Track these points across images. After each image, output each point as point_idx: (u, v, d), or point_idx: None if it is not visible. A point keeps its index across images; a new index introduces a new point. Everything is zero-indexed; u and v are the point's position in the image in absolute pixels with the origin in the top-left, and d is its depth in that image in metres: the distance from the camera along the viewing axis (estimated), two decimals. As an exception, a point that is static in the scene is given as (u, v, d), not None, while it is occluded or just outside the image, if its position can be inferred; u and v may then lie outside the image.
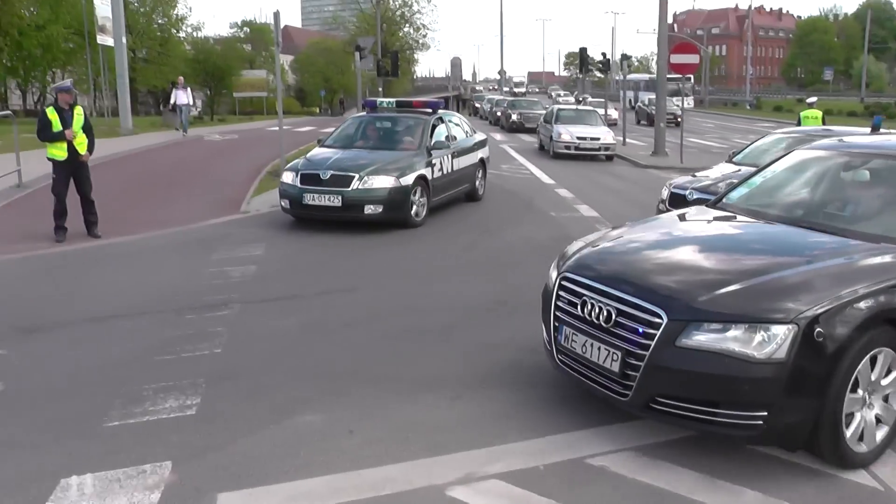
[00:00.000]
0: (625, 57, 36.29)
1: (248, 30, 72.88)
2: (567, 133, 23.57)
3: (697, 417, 4.10)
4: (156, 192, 15.05)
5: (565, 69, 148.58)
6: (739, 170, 9.83)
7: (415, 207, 11.43)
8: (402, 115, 13.15)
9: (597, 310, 4.51)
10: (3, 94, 47.95)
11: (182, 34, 54.27)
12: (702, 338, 4.03)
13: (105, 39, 30.21)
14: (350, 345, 6.34)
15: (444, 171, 12.44)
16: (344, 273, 8.89)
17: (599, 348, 4.45)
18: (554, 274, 5.11)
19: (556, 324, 4.88)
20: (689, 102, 60.28)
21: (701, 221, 5.72)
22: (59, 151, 10.22)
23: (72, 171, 10.33)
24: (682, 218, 5.94)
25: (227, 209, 12.82)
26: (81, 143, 10.31)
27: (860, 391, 4.17)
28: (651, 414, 4.32)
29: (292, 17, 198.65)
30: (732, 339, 3.97)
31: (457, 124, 14.01)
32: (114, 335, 6.69)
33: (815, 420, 4.01)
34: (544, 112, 30.51)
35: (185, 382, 5.50)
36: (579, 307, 4.65)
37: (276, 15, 17.44)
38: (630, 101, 49.17)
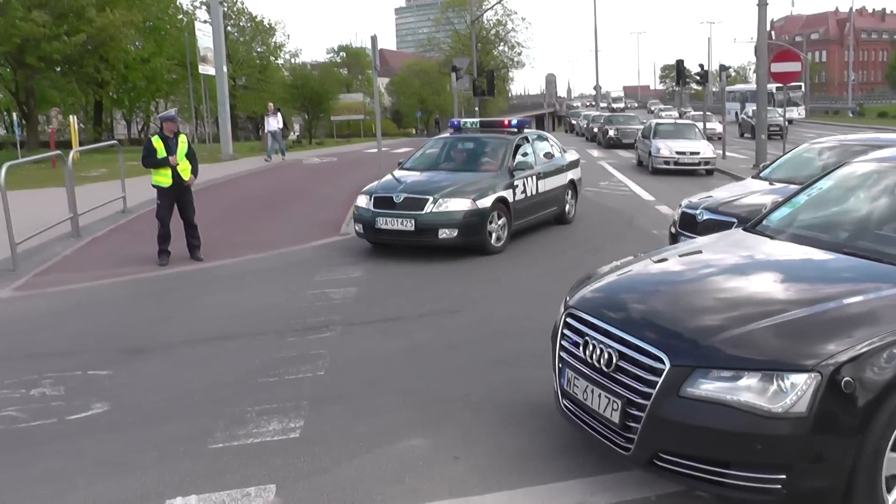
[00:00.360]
0: (723, 68, 35.41)
1: (345, 54, 74.53)
2: (666, 148, 23.10)
3: (706, 478, 3.61)
4: (256, 216, 15.40)
5: (661, 82, 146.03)
6: (768, 185, 9.28)
7: (493, 232, 10.91)
8: (484, 135, 12.84)
9: (598, 352, 4.05)
10: (109, 125, 50.37)
11: (280, 61, 56.35)
12: (709, 387, 3.54)
13: (207, 69, 31.44)
14: (455, 368, 6.24)
15: (528, 194, 11.91)
16: (446, 295, 8.82)
17: (600, 395, 3.99)
18: (561, 309, 4.67)
19: (560, 365, 4.44)
20: (800, 112, 58.33)
21: (726, 249, 5.15)
22: (164, 178, 10.59)
23: (176, 196, 10.67)
24: (706, 245, 5.35)
25: (326, 231, 12.98)
26: (185, 169, 10.65)
27: None
28: (655, 471, 3.81)
29: (387, 41, 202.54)
30: (745, 389, 3.46)
31: (544, 144, 13.51)
32: (217, 357, 6.80)
33: (847, 485, 3.44)
34: (641, 127, 30.12)
35: (289, 405, 5.51)
36: (581, 348, 4.22)
37: (374, 39, 17.73)
38: (736, 112, 47.94)
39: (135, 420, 5.44)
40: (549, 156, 13.19)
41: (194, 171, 10.90)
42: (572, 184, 13.79)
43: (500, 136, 12.48)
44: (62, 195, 13.12)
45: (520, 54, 73.33)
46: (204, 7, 46.42)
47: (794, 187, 8.79)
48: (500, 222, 11.06)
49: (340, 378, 6.11)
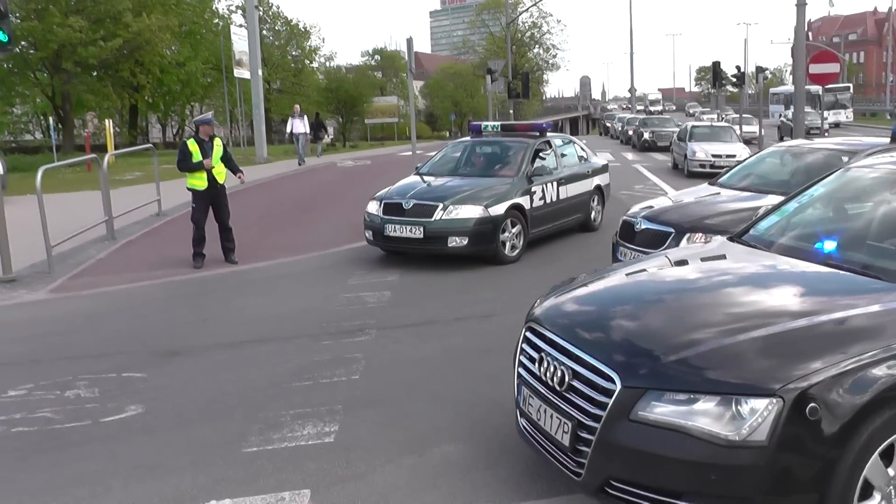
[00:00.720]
0: (759, 69, 35.04)
1: (379, 57, 74.85)
2: (701, 150, 22.93)
3: None
4: (291, 219, 15.47)
5: (696, 84, 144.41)
6: (718, 193, 8.93)
7: (507, 241, 10.56)
8: (503, 139, 12.43)
9: (552, 369, 3.83)
10: (144, 128, 51.04)
11: (315, 64, 56.76)
12: (663, 410, 3.30)
13: (242, 73, 31.73)
14: (489, 373, 6.18)
15: (548, 200, 11.49)
16: (480, 299, 8.78)
17: (552, 416, 3.77)
18: (524, 322, 4.48)
19: (518, 381, 4.22)
20: (847, 115, 57.33)
21: (703, 261, 4.87)
22: (199, 181, 10.67)
23: (211, 199, 10.74)
24: (683, 256, 5.07)
25: (361, 234, 12.93)
26: (220, 172, 10.74)
27: (877, 490, 3.28)
28: (606, 499, 3.56)
29: (422, 44, 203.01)
30: (700, 414, 3.21)
31: (568, 148, 13.03)
32: (251, 360, 6.82)
33: None
34: (676, 130, 29.90)
35: (323, 409, 5.50)
36: (537, 364, 4.01)
37: (409, 41, 17.76)
38: (780, 115, 47.31)
39: (169, 423, 5.47)
40: (573, 160, 12.80)
41: (235, 169, 11.03)
42: (599, 190, 13.37)
43: (519, 141, 12.08)
44: (97, 198, 13.28)
45: (555, 56, 73.23)
46: (239, 11, 46.90)
47: (745, 195, 8.60)
48: (514, 231, 10.70)
49: (375, 382, 6.09)
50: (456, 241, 10.13)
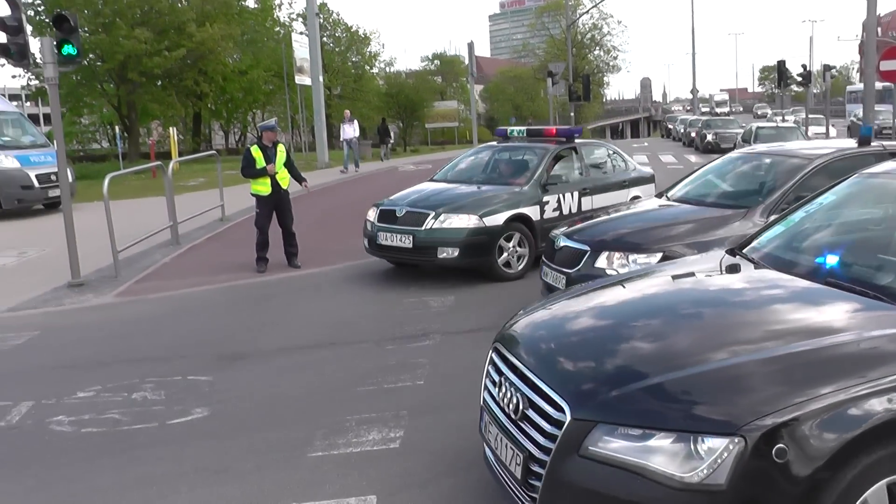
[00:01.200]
0: (826, 67, 34.17)
1: (439, 62, 75.04)
2: None
3: None
4: (353, 223, 15.44)
5: (759, 84, 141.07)
6: (657, 207, 8.13)
7: (506, 254, 9.84)
8: (523, 145, 11.72)
9: (508, 395, 3.57)
10: (207, 135, 51.98)
11: (375, 70, 57.03)
12: (614, 446, 2.99)
13: (303, 79, 32.07)
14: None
15: (565, 212, 10.58)
16: (547, 302, 8.64)
17: (507, 445, 3.50)
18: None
19: (482, 406, 3.97)
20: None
21: (690, 277, 4.50)
22: (263, 187, 10.78)
23: (274, 204, 10.84)
24: (672, 271, 4.69)
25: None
26: (283, 178, 10.86)
27: None
28: None
29: (481, 47, 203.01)
30: (655, 452, 2.90)
31: (600, 156, 12.11)
32: (315, 365, 6.82)
33: None
34: (740, 131, 29.35)
35: (388, 414, 5.46)
36: (497, 389, 3.75)
37: (471, 46, 17.75)
38: (852, 115, 46.07)
39: (234, 426, 5.48)
40: (605, 169, 11.86)
41: (298, 177, 11.15)
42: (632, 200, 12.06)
43: (539, 147, 11.28)
44: (162, 204, 13.50)
45: (615, 58, 72.44)
46: (300, 19, 47.44)
47: (685, 209, 7.68)
48: (518, 244, 9.98)
49: (440, 388, 6.03)
50: (446, 253, 9.52)
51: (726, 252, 4.71)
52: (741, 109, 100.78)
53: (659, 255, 6.56)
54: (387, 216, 10.10)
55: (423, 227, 9.60)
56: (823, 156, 7.35)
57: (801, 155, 7.63)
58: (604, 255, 6.87)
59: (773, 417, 2.80)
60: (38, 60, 10.62)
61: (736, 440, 2.78)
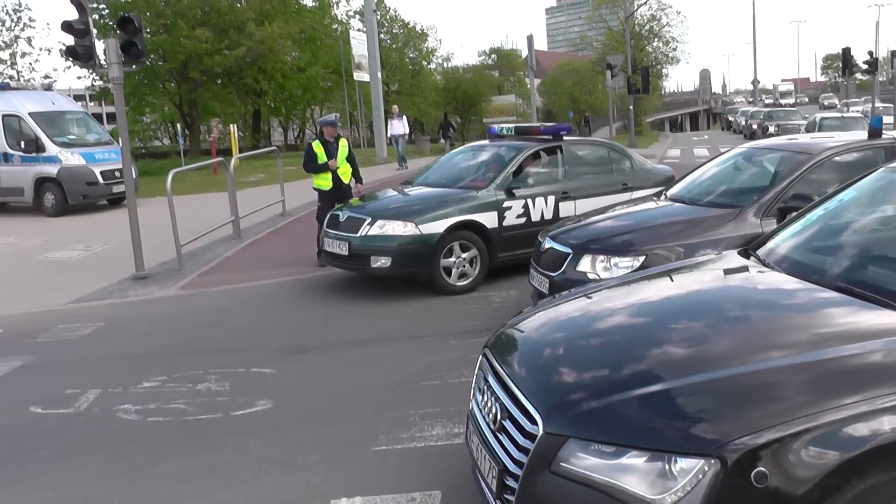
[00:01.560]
0: (894, 54, 32.93)
1: (496, 56, 74.85)
2: None
3: None
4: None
5: (822, 73, 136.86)
6: (654, 206, 7.63)
7: (454, 265, 9.02)
8: (499, 145, 10.72)
9: (489, 404, 3.42)
10: (266, 132, 52.59)
11: (432, 65, 57.17)
12: (587, 463, 2.79)
13: (361, 76, 32.29)
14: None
15: (535, 218, 9.57)
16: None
17: (485, 457, 3.34)
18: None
19: (468, 413, 3.81)
20: None
21: (693, 279, 4.29)
22: (324, 182, 10.85)
23: (336, 199, 10.89)
24: (673, 273, 4.44)
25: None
26: (345, 172, 10.91)
27: None
28: None
29: (538, 41, 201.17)
30: (628, 471, 2.70)
31: (591, 155, 10.98)
32: (377, 358, 6.79)
33: None
34: (803, 123, 28.61)
35: (452, 409, 5.38)
36: (482, 396, 3.60)
37: (530, 39, 17.62)
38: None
39: (298, 419, 5.48)
40: (599, 171, 10.65)
41: (357, 175, 11.13)
42: None
43: (514, 146, 10.32)
44: (223, 200, 13.65)
45: (674, 49, 71.10)
46: (358, 16, 47.72)
47: (679, 208, 7.25)
48: (464, 255, 9.07)
49: (504, 381, 5.94)
50: (380, 262, 8.82)
51: (738, 252, 4.44)
52: (806, 100, 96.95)
53: (642, 259, 6.21)
54: (333, 221, 9.61)
55: (358, 234, 9.01)
56: (827, 150, 6.87)
57: (803, 149, 7.11)
58: (586, 257, 6.53)
59: (754, 438, 2.58)
60: (103, 61, 10.79)
61: (712, 462, 2.57)
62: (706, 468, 2.57)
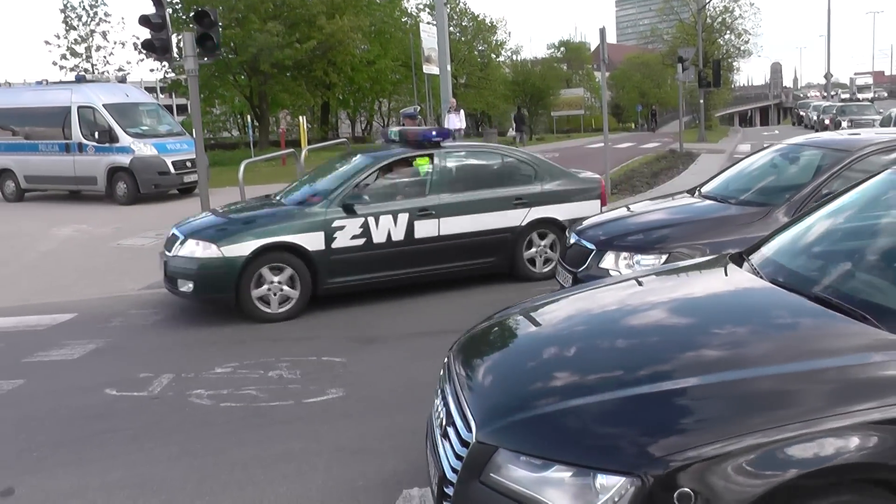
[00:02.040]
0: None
1: (565, 49, 74.33)
2: None
3: None
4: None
5: None
6: (686, 203, 7.31)
7: (268, 291, 7.97)
8: (357, 154, 9.83)
9: (440, 408, 3.39)
10: (334, 124, 53.07)
11: (501, 58, 56.97)
12: (514, 475, 2.68)
13: (431, 69, 32.30)
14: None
15: (379, 240, 8.42)
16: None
17: (431, 462, 3.32)
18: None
19: (429, 416, 3.74)
20: None
21: (663, 284, 4.17)
22: None
23: None
24: (653, 277, 4.32)
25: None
26: (421, 163, 10.88)
27: None
28: None
29: (607, 34, 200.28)
30: (553, 485, 2.59)
31: (478, 166, 9.51)
32: (445, 350, 6.72)
33: None
34: (878, 117, 27.68)
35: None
36: (438, 400, 3.54)
37: (602, 31, 17.26)
38: None
39: (369, 407, 5.49)
40: (478, 184, 9.15)
41: None
42: (538, 225, 9.23)
43: (369, 156, 9.26)
44: (294, 189, 13.75)
45: (746, 42, 69.36)
46: (428, 10, 47.83)
47: (710, 205, 6.98)
48: (277, 279, 8.01)
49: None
50: (187, 286, 8.02)
51: (731, 257, 4.18)
52: (885, 95, 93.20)
53: (665, 257, 6.01)
54: (170, 239, 8.66)
55: (171, 254, 8.28)
56: (867, 147, 6.49)
57: (843, 146, 6.75)
58: (610, 254, 6.36)
59: (679, 457, 2.45)
60: (177, 54, 11.05)
61: (633, 480, 2.45)
62: (628, 486, 2.46)
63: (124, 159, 17.79)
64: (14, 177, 19.42)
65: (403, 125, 11.05)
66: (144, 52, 18.21)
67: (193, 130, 11.53)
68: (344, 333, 7.39)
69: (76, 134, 18.36)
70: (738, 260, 4.08)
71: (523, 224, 9.10)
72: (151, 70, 56.51)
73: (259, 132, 37.68)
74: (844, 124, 33.26)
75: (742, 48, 70.34)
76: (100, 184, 18.29)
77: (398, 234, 8.50)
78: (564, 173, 9.75)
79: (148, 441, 5.10)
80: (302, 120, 28.97)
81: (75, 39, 36.14)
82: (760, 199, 6.69)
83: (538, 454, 2.66)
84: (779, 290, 3.49)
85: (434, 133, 9.25)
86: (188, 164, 18.14)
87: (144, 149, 18.06)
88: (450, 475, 2.97)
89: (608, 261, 6.32)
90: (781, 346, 3.05)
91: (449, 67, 32.14)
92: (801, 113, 58.11)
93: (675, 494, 2.40)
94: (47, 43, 36.58)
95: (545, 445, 2.69)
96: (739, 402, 2.66)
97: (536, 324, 3.83)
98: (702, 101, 41.81)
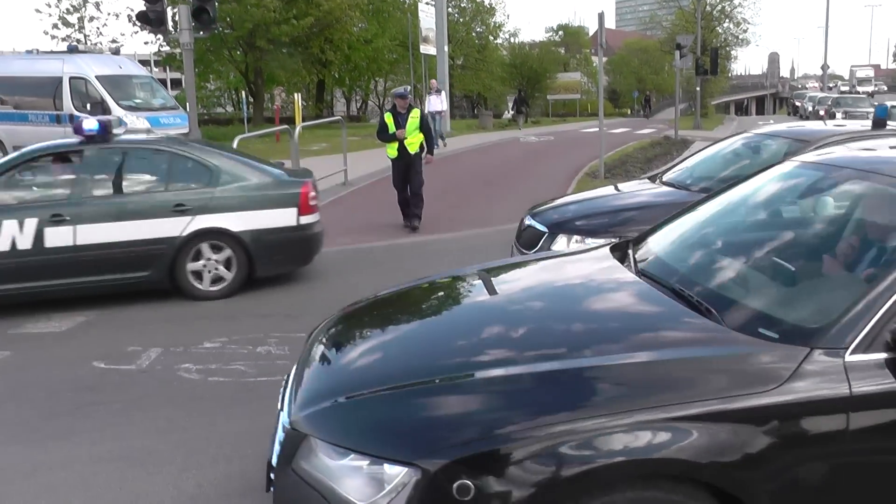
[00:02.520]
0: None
1: (563, 33, 74.15)
2: None
3: None
4: (475, 192, 15.49)
5: (894, 60, 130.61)
6: (642, 189, 7.40)
7: None
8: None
9: (283, 391, 3.42)
10: (329, 102, 52.88)
11: (499, 40, 56.88)
12: (318, 463, 2.69)
13: (428, 49, 32.25)
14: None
15: (3, 248, 7.35)
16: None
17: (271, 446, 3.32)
18: None
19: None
20: None
21: (524, 273, 4.23)
22: (392, 150, 11.35)
23: (403, 167, 11.32)
24: (500, 268, 4.26)
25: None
26: (412, 143, 11.27)
27: None
28: None
29: (606, 19, 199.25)
30: (350, 475, 2.59)
31: (126, 166, 8.24)
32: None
33: None
34: (871, 110, 27.61)
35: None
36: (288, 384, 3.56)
37: (601, 16, 17.21)
38: None
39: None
40: (131, 187, 8.13)
41: (428, 146, 11.48)
42: (207, 236, 7.96)
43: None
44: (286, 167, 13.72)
45: (745, 31, 69.31)
46: (426, -11, 47.66)
47: (666, 191, 7.09)
48: None
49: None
50: None
51: (611, 248, 4.14)
52: (885, 88, 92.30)
53: (614, 241, 6.10)
54: None
55: None
56: (826, 138, 6.59)
57: (803, 137, 6.94)
58: (562, 237, 6.41)
59: (460, 449, 2.46)
60: (172, 27, 10.97)
61: (414, 471, 2.45)
62: (410, 477, 2.46)
63: (117, 132, 17.61)
64: (3, 147, 19.24)
65: (394, 105, 11.24)
66: (139, 24, 18.10)
67: (187, 105, 11.46)
68: (333, 310, 7.30)
69: (67, 105, 18.23)
70: (623, 248, 4.07)
71: (184, 234, 7.86)
72: (146, 43, 55.85)
73: (254, 108, 37.50)
74: (839, 115, 33.34)
75: (740, 37, 70.16)
76: (92, 157, 18.13)
77: (24, 243, 7.44)
78: (257, 175, 8.39)
79: (136, 414, 5.11)
80: (297, 97, 28.86)
81: (67, 9, 35.84)
82: (718, 187, 6.69)
83: (338, 443, 2.66)
84: (639, 282, 3.49)
85: (88, 127, 7.92)
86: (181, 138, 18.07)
87: (137, 122, 17.82)
88: (274, 461, 2.98)
89: (560, 244, 6.39)
90: (608, 338, 3.04)
91: (446, 48, 32.17)
92: (797, 103, 58.15)
93: (455, 486, 2.40)
94: (38, 11, 36.13)
95: (345, 434, 2.70)
96: (532, 395, 2.65)
97: (391, 309, 3.94)
98: (698, 88, 41.74)
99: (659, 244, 4.00)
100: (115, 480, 4.27)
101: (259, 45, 35.76)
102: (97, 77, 18.11)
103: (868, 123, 7.00)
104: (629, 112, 67.74)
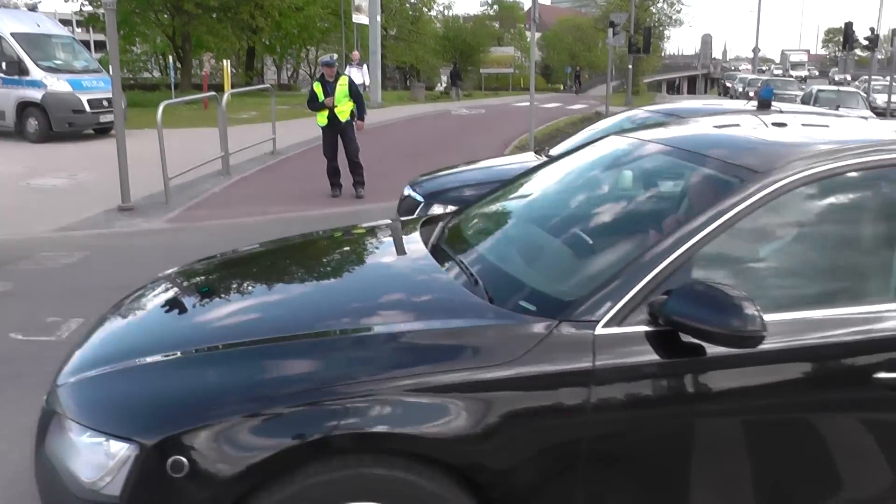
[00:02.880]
0: (895, 32, 33.01)
1: (497, 7, 74.11)
2: None
3: None
4: (408, 162, 15.41)
5: (823, 47, 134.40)
6: (516, 163, 7.46)
7: None
8: None
9: None
10: (259, 70, 52.01)
11: (433, 12, 56.58)
12: (60, 440, 2.61)
13: (360, 18, 31.92)
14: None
15: None
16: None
17: None
18: None
19: None
20: None
21: (329, 245, 4.30)
22: (322, 119, 11.45)
23: (334, 135, 11.44)
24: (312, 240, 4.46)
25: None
26: (342, 111, 11.38)
27: None
28: None
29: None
30: (81, 451, 2.52)
31: None
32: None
33: None
34: (800, 93, 28.71)
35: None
36: None
37: (534, -8, 17.32)
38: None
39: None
40: None
41: (359, 112, 11.65)
42: None
43: None
44: (213, 135, 13.53)
45: (678, 12, 70.74)
46: (359, -43, 47.05)
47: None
48: None
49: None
50: None
51: (422, 223, 4.10)
52: (816, 74, 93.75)
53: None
54: None
55: None
56: (697, 114, 6.79)
57: (675, 114, 7.13)
58: (437, 206, 6.42)
59: (174, 424, 2.40)
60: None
61: (134, 447, 2.39)
62: (129, 453, 2.40)
63: (36, 94, 16.99)
64: None
65: (322, 74, 11.31)
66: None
67: (111, 68, 11.13)
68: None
69: (-23, 63, 17.42)
70: (434, 221, 4.08)
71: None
72: (66, 1, 54.17)
73: (181, 74, 36.64)
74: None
75: (673, 17, 71.21)
76: (8, 119, 17.36)
77: None
78: None
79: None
80: (226, 64, 28.32)
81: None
82: (541, 162, 6.86)
83: (76, 419, 2.58)
84: (427, 257, 3.43)
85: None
86: (105, 103, 17.39)
87: (58, 84, 17.28)
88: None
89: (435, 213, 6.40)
90: (363, 311, 2.98)
91: (379, 18, 31.89)
92: (728, 84, 59.35)
93: (169, 462, 2.35)
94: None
95: (82, 411, 2.61)
96: (250, 370, 2.57)
97: (196, 280, 3.89)
98: (630, 66, 42.29)
99: (466, 219, 3.94)
100: (28, 458, 4.17)
101: (187, 9, 34.92)
102: (13, 34, 17.30)
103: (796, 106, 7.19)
104: (562, 88, 68.25)
